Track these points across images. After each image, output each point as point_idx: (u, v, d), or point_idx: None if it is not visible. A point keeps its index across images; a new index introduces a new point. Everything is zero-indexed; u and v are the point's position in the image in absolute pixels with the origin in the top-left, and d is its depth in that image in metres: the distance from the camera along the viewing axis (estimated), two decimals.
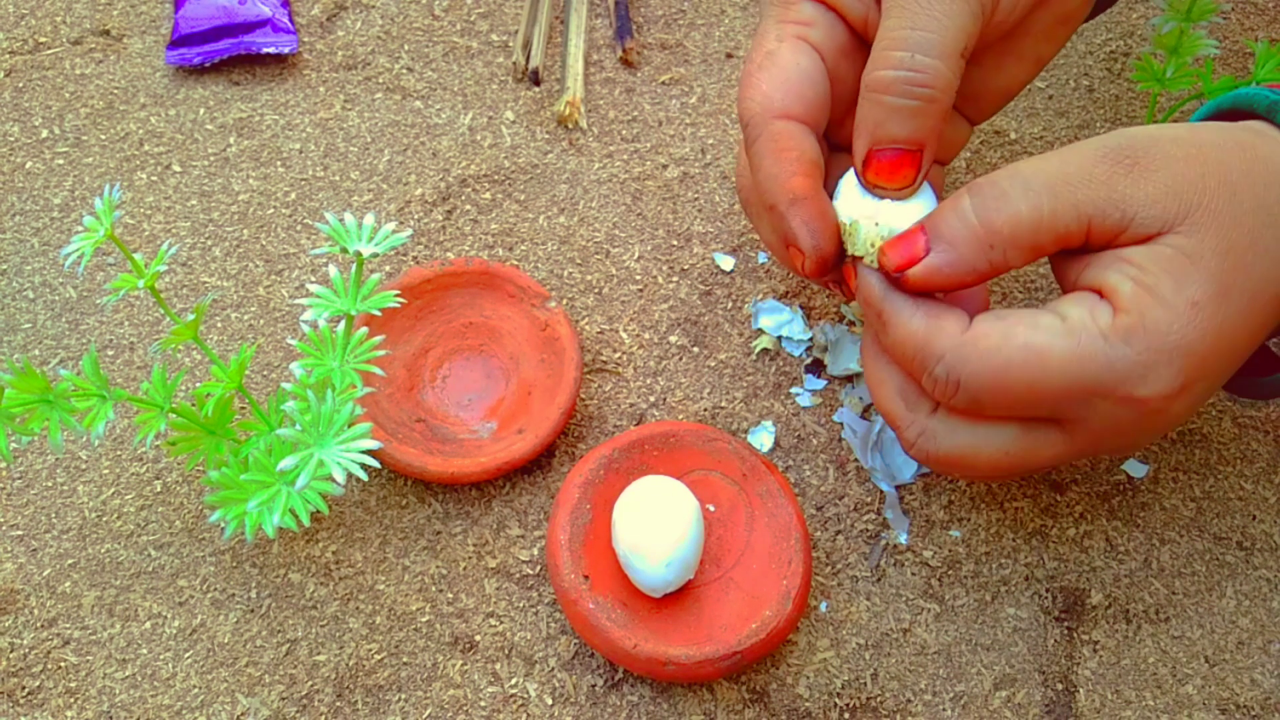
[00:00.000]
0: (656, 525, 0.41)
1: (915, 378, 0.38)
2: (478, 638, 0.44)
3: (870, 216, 0.38)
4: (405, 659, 0.44)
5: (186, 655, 0.44)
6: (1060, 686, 0.44)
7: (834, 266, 0.40)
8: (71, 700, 0.43)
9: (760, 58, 0.41)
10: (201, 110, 0.57)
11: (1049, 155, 0.37)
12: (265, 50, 0.57)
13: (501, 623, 0.44)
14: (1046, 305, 0.37)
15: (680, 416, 0.49)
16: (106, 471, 0.47)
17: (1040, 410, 0.36)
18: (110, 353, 0.50)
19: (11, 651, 0.43)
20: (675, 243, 0.53)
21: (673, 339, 0.51)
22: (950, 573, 0.46)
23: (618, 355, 0.51)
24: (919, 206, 0.38)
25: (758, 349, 0.51)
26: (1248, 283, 0.36)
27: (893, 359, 0.39)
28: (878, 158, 0.38)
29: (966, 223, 0.36)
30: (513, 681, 0.43)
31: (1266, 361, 0.42)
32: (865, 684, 0.44)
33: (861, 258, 0.39)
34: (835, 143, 0.43)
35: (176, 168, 0.55)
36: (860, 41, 0.41)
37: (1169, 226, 0.35)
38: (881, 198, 0.39)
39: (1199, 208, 0.35)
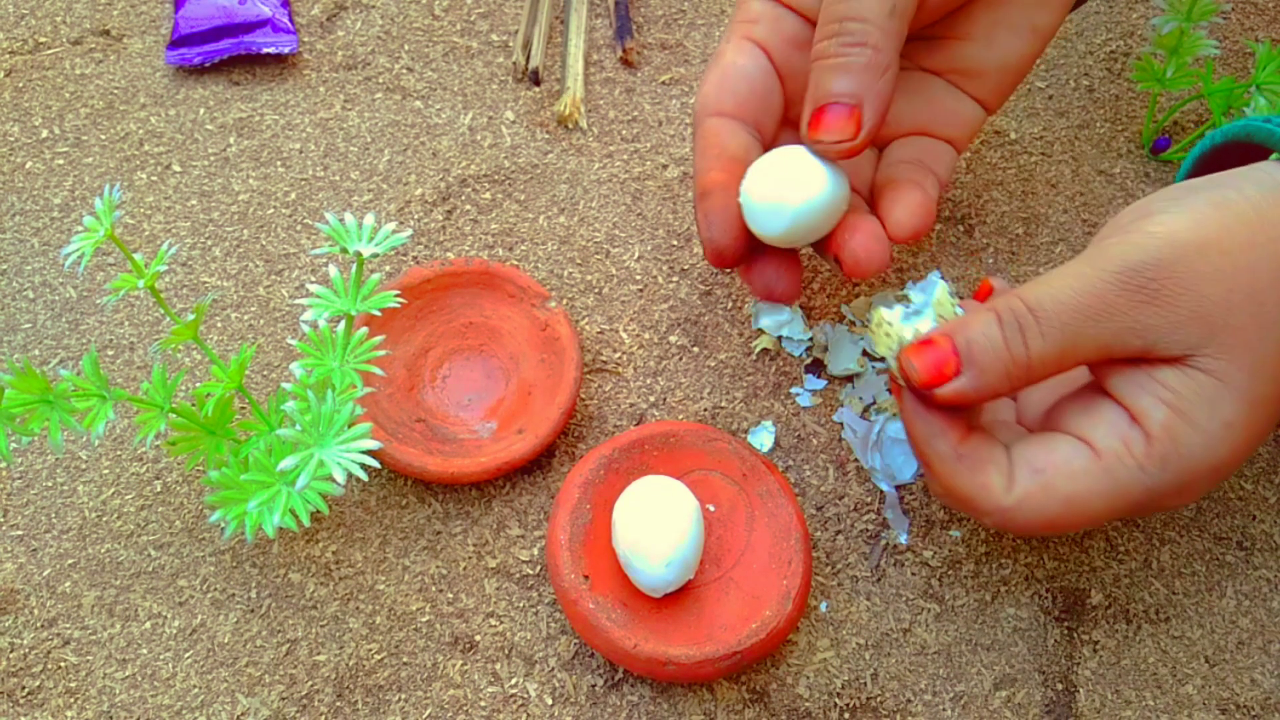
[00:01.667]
0: (656, 525, 0.41)
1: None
2: (478, 638, 0.44)
3: (890, 322, 0.38)
4: (405, 659, 0.44)
5: (186, 655, 0.44)
6: (1060, 686, 0.44)
7: (736, 260, 0.43)
8: (71, 700, 0.43)
9: (711, 61, 0.44)
10: (201, 110, 0.57)
11: (1070, 277, 0.36)
12: (265, 50, 0.57)
13: (501, 623, 0.44)
14: (1076, 424, 0.37)
15: (680, 416, 0.49)
16: (106, 471, 0.47)
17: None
18: (110, 353, 0.50)
19: (11, 651, 0.43)
20: (675, 243, 0.53)
21: (673, 339, 0.51)
22: (950, 573, 0.46)
23: (618, 355, 0.51)
24: (926, 320, 0.38)
25: (758, 349, 0.51)
26: (1275, 387, 0.36)
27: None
28: (819, 115, 0.40)
29: (997, 353, 0.36)
30: (513, 681, 0.43)
31: None
32: (865, 684, 0.44)
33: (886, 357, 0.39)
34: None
35: (176, 168, 0.55)
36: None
37: (1196, 350, 0.35)
38: (824, 155, 0.41)
39: (1225, 329, 0.35)
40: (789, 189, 0.41)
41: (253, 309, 0.51)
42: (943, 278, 0.40)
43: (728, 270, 0.49)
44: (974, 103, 0.45)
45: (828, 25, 0.40)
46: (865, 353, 0.50)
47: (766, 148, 0.44)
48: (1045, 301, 0.36)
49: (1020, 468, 0.37)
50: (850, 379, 0.50)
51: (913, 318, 0.38)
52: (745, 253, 0.43)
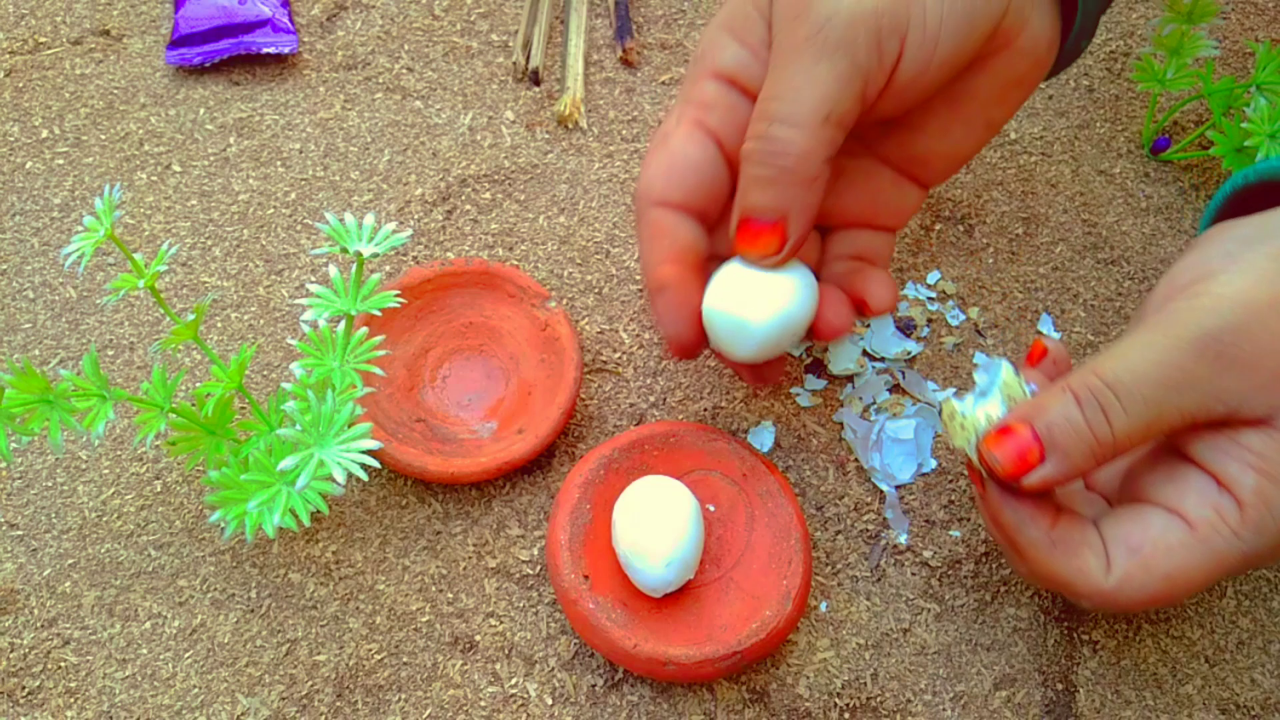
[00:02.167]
0: (657, 525, 0.41)
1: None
2: (478, 638, 0.44)
3: (964, 413, 0.38)
4: (405, 659, 0.44)
5: (186, 655, 0.44)
6: (1060, 686, 0.44)
7: (696, 353, 0.42)
8: (71, 700, 0.43)
9: (657, 140, 0.41)
10: (201, 110, 0.57)
11: (1145, 348, 0.36)
12: (265, 50, 0.57)
13: (501, 623, 0.44)
14: (1164, 494, 0.37)
15: (680, 416, 0.49)
16: (106, 471, 0.47)
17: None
18: (110, 353, 0.50)
19: (11, 651, 0.43)
20: None
21: None
22: (950, 573, 0.46)
23: (618, 355, 0.51)
24: (995, 403, 0.38)
25: None
26: None
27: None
28: (742, 227, 0.39)
29: (1081, 434, 0.36)
30: (513, 681, 0.43)
31: None
32: (865, 684, 0.44)
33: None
34: None
35: (176, 168, 0.55)
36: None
37: (1278, 410, 0.35)
38: (751, 264, 0.40)
39: None
40: (752, 307, 0.39)
41: (253, 309, 0.51)
42: (1008, 360, 0.40)
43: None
44: (918, 190, 0.44)
45: (758, 124, 0.38)
46: (865, 353, 0.50)
47: (711, 233, 0.42)
48: (1124, 376, 0.35)
49: (1116, 548, 0.37)
50: (850, 379, 0.50)
51: (980, 399, 0.38)
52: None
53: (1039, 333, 0.51)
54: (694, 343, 0.41)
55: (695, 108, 0.40)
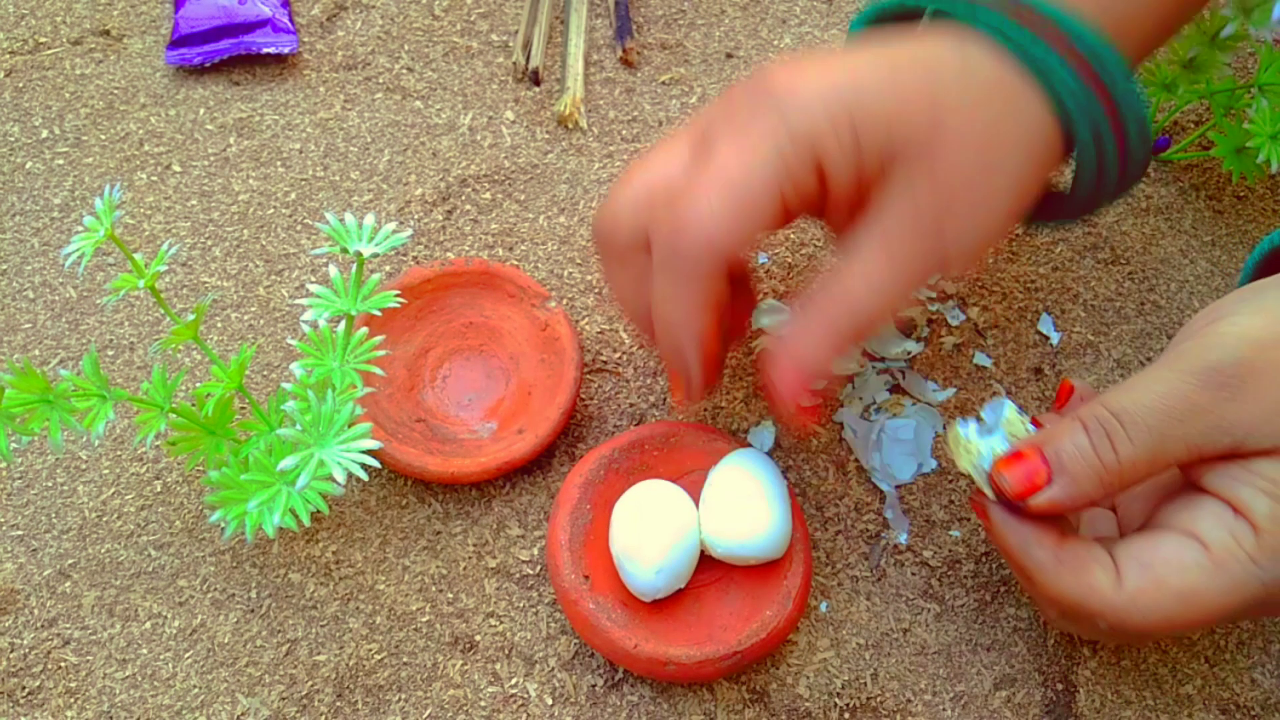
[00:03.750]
0: (653, 530, 0.41)
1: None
2: (478, 638, 0.44)
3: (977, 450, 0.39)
4: (405, 659, 0.44)
5: (186, 655, 0.44)
6: (1060, 686, 0.44)
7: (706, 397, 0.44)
8: (71, 700, 0.43)
9: (739, 186, 0.37)
10: (201, 110, 0.57)
11: (1152, 381, 0.36)
12: (265, 50, 0.57)
13: (501, 623, 0.44)
14: (1179, 520, 0.37)
15: (680, 416, 0.49)
16: (106, 471, 0.47)
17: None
18: (110, 353, 0.50)
19: (11, 651, 0.43)
20: None
21: None
22: (950, 573, 0.46)
23: (618, 355, 0.51)
24: (999, 439, 0.39)
25: (758, 349, 0.51)
26: None
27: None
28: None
29: (1088, 460, 0.36)
30: (513, 681, 0.43)
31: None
32: (865, 684, 0.44)
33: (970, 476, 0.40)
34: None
35: (176, 168, 0.55)
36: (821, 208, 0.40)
37: None
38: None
39: None
40: (748, 527, 0.41)
41: (253, 309, 0.51)
42: (1010, 399, 0.41)
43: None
44: None
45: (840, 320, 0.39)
46: (865, 353, 0.50)
47: None
48: (1130, 406, 0.36)
49: (1127, 564, 0.36)
50: (850, 379, 0.50)
51: (987, 436, 0.39)
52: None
53: (1039, 333, 0.51)
54: (704, 391, 0.42)
55: (787, 180, 0.37)
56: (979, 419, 0.39)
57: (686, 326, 0.40)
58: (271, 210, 0.54)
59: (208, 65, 0.58)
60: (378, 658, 0.44)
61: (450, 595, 0.45)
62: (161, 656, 0.44)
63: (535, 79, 0.58)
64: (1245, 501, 0.35)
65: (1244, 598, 0.35)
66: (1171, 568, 0.36)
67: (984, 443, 0.38)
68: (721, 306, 0.40)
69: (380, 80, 0.58)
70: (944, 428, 0.49)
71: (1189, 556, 0.36)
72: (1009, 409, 0.39)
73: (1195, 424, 0.36)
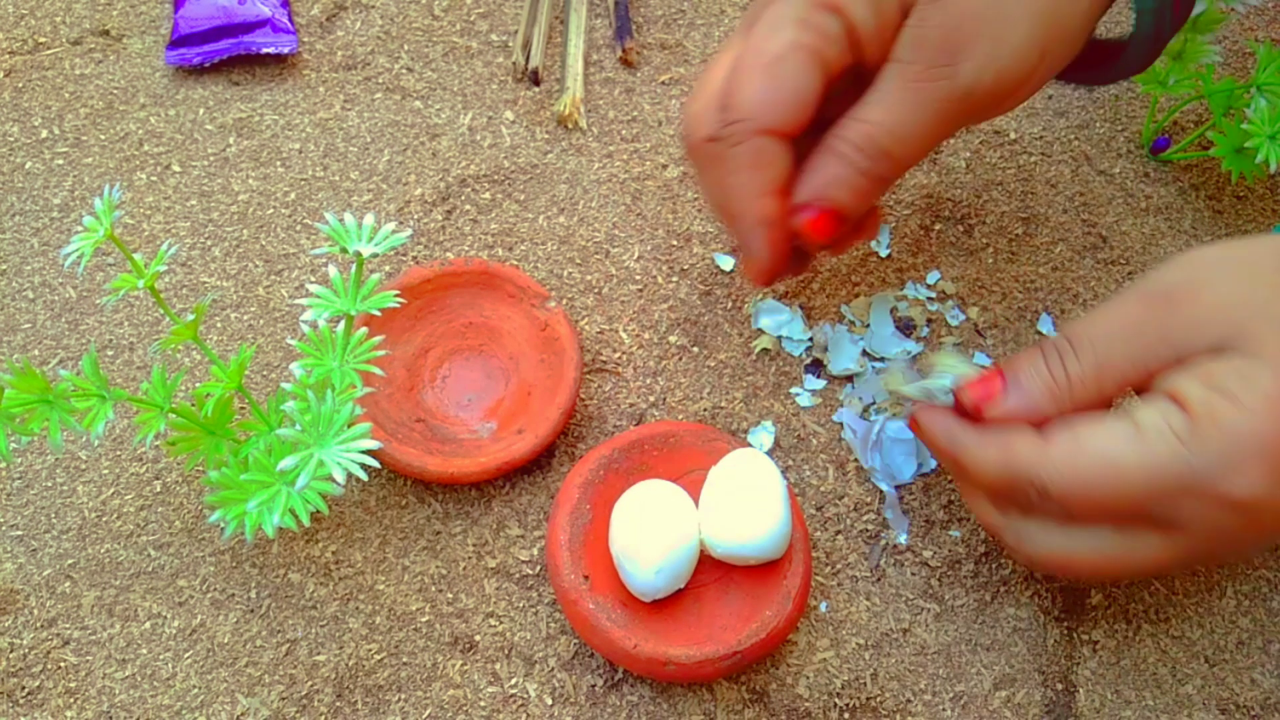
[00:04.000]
0: (652, 530, 0.41)
1: (1004, 497, 0.39)
2: (478, 638, 0.44)
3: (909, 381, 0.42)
4: (405, 659, 0.44)
5: (186, 655, 0.44)
6: (1060, 686, 0.44)
7: (778, 278, 0.45)
8: (71, 700, 0.43)
9: (766, 59, 0.40)
10: (201, 110, 0.57)
11: (1104, 308, 0.39)
12: (265, 50, 0.57)
13: (501, 623, 0.44)
14: (1124, 411, 0.37)
15: (680, 416, 0.49)
16: (106, 471, 0.47)
17: (1129, 514, 0.37)
18: (110, 353, 0.50)
19: (11, 651, 0.43)
20: (675, 243, 0.53)
21: (672, 339, 0.51)
22: (950, 573, 0.46)
23: (618, 355, 0.51)
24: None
25: (758, 349, 0.51)
26: None
27: (979, 489, 0.40)
28: (823, 216, 0.42)
29: (1040, 375, 0.39)
30: (513, 681, 0.43)
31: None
32: (865, 684, 0.44)
33: (912, 399, 0.42)
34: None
35: (176, 168, 0.55)
36: (856, 64, 0.41)
37: (1228, 342, 0.36)
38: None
39: (1253, 317, 0.36)
40: (748, 527, 0.41)
41: (253, 309, 0.51)
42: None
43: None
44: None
45: (875, 146, 0.40)
46: (865, 352, 0.50)
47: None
48: (1079, 329, 0.39)
49: (1058, 432, 0.38)
50: (850, 379, 0.50)
51: (925, 378, 0.42)
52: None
53: (1039, 333, 0.51)
54: (783, 270, 0.44)
55: (813, 35, 0.39)
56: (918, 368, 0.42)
57: (744, 208, 0.41)
58: (271, 210, 0.54)
59: (207, 65, 0.58)
60: (378, 658, 0.44)
61: (450, 595, 0.45)
62: (161, 656, 0.44)
63: (535, 79, 0.58)
64: (1181, 389, 0.36)
65: (1167, 477, 0.35)
66: (1097, 435, 0.37)
67: (925, 383, 0.41)
68: (783, 186, 0.41)
69: (380, 80, 0.58)
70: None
71: (1118, 429, 0.37)
72: (947, 351, 0.41)
73: (1137, 340, 0.37)
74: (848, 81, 0.41)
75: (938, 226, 0.54)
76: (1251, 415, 0.35)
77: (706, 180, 0.43)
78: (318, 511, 0.43)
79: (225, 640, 0.44)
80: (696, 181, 0.46)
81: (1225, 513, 0.35)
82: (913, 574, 0.46)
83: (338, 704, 0.43)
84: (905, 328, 0.51)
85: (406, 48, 0.60)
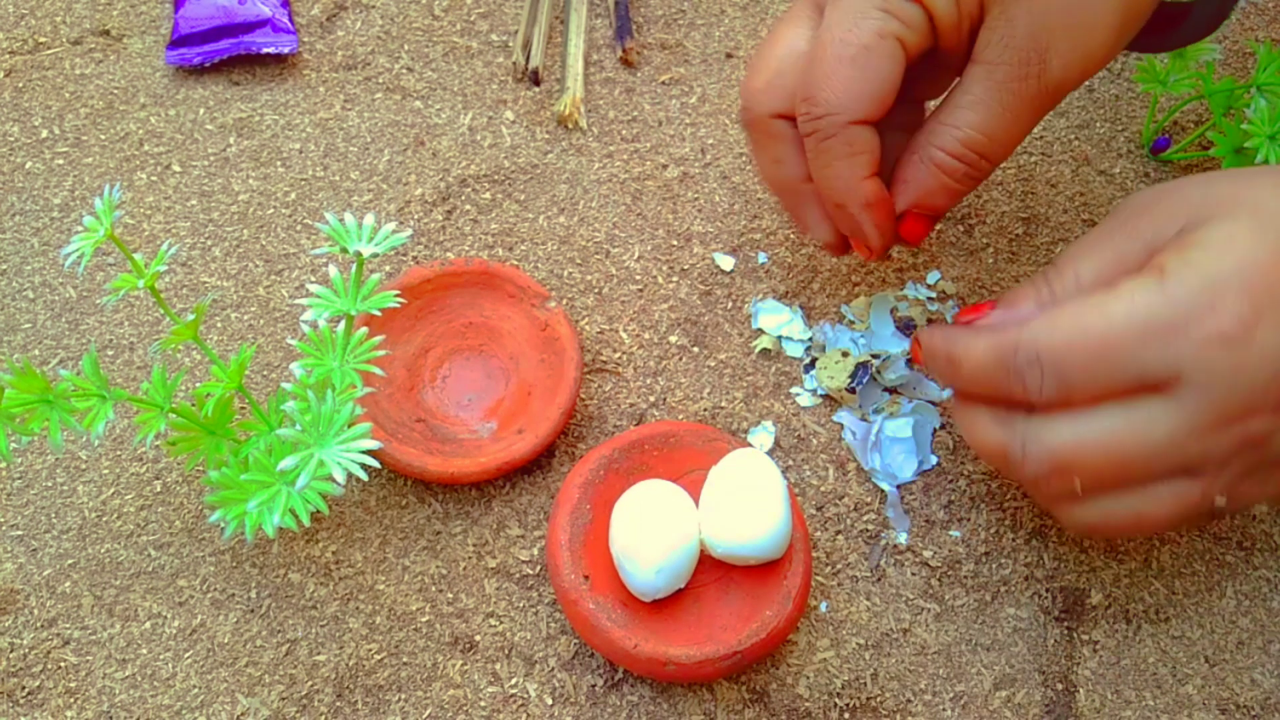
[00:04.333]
0: (652, 530, 0.41)
1: (1003, 391, 0.39)
2: (478, 638, 0.44)
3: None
4: (405, 659, 0.44)
5: (186, 655, 0.44)
6: (1060, 686, 0.44)
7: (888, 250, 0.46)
8: (71, 700, 0.43)
9: (853, 50, 0.40)
10: (201, 110, 0.57)
11: (1082, 237, 0.41)
12: (265, 50, 0.57)
13: (501, 623, 0.44)
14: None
15: (680, 416, 0.49)
16: (106, 471, 0.47)
17: (1128, 375, 0.36)
18: (110, 353, 0.50)
19: (11, 651, 0.43)
20: (675, 243, 0.53)
21: (673, 339, 0.51)
22: (950, 573, 0.46)
23: (618, 355, 0.51)
24: None
25: (758, 349, 0.51)
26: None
27: (977, 390, 0.41)
28: (914, 220, 0.44)
29: (1026, 292, 0.41)
30: (513, 681, 0.43)
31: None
32: (865, 684, 0.44)
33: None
34: None
35: (176, 168, 0.55)
36: (936, 51, 0.42)
37: (1195, 220, 0.37)
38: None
39: (1218, 200, 0.37)
40: (749, 527, 0.41)
41: (253, 309, 0.51)
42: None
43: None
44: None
45: (969, 147, 0.42)
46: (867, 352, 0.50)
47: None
48: (1060, 255, 0.41)
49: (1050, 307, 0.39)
50: (897, 390, 0.50)
51: None
52: None
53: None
54: (892, 242, 0.45)
55: (897, 25, 0.40)
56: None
57: (848, 195, 0.43)
58: (271, 210, 0.54)
59: (208, 65, 0.58)
60: (378, 658, 0.44)
61: (450, 595, 0.45)
62: (161, 656, 0.44)
63: (535, 79, 0.58)
64: (1155, 261, 0.37)
65: (1150, 321, 0.36)
66: (1081, 301, 0.38)
67: None
68: (877, 167, 0.42)
69: (380, 80, 0.58)
70: (940, 422, 0.49)
71: (1099, 294, 0.37)
72: None
73: (1110, 246, 0.39)
74: (923, 64, 0.42)
75: (938, 226, 0.54)
76: (1224, 254, 0.36)
77: (763, 156, 0.45)
78: (318, 511, 0.43)
79: (225, 640, 0.44)
80: (751, 154, 0.47)
81: (1217, 350, 0.35)
82: (913, 574, 0.46)
83: (338, 704, 0.43)
84: (905, 328, 0.51)
85: (406, 48, 0.60)
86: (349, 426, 0.37)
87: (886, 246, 0.45)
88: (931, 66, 0.43)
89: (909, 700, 0.43)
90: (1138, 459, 0.37)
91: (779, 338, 0.51)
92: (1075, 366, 0.36)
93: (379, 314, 0.43)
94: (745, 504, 0.41)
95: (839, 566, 0.46)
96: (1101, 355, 0.36)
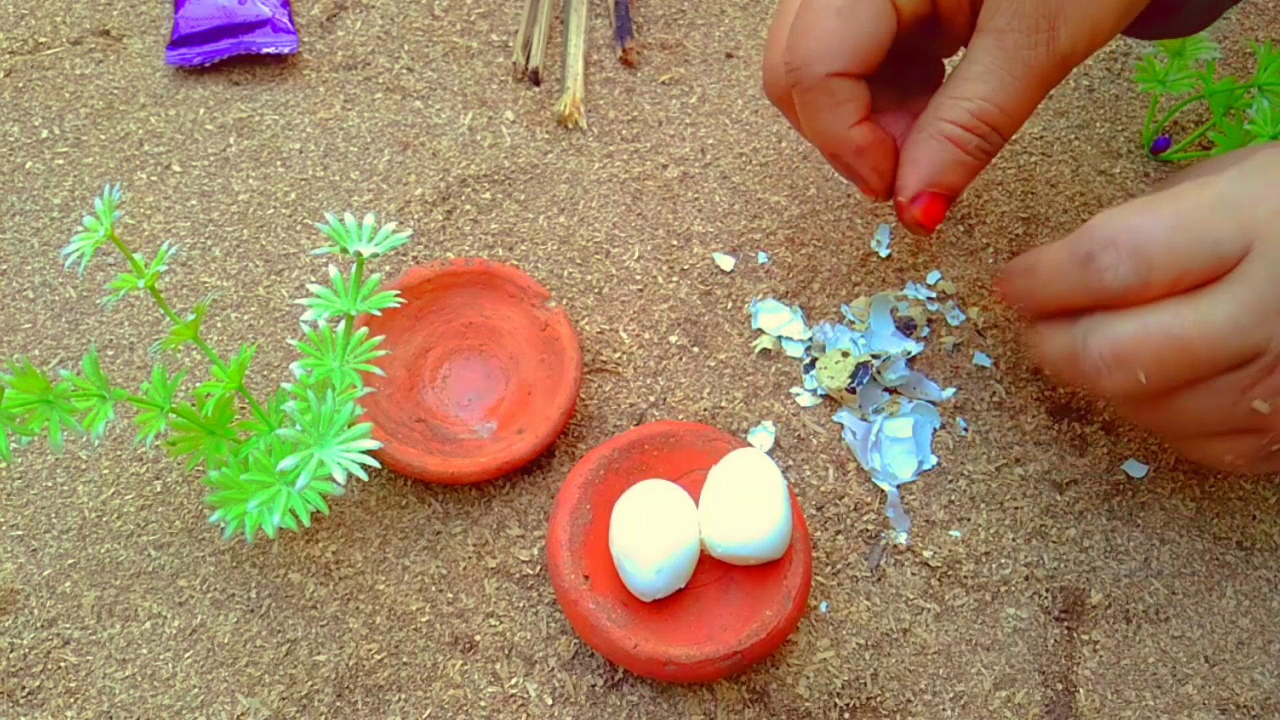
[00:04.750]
0: (652, 530, 0.41)
1: (1079, 289, 0.39)
2: (478, 638, 0.44)
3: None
4: (405, 659, 0.44)
5: (186, 655, 0.44)
6: (1060, 686, 0.44)
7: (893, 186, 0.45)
8: (71, 700, 0.43)
9: (840, 2, 0.40)
10: (201, 110, 0.57)
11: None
12: (265, 50, 0.57)
13: (501, 623, 0.44)
14: None
15: (680, 416, 0.49)
16: (106, 471, 0.47)
17: (1204, 249, 0.36)
18: (110, 353, 0.50)
19: (11, 651, 0.43)
20: (675, 243, 0.53)
21: (673, 339, 0.51)
22: (950, 573, 0.46)
23: (618, 355, 0.51)
24: None
25: (758, 349, 0.51)
26: None
27: (1052, 297, 0.41)
28: (932, 200, 0.43)
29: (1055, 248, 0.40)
30: (513, 681, 0.43)
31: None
32: (865, 684, 0.44)
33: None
34: None
35: (176, 168, 0.55)
36: (936, 18, 0.42)
37: (1244, 158, 0.39)
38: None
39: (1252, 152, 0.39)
40: (748, 527, 0.41)
41: (253, 309, 0.51)
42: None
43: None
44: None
45: (980, 119, 0.41)
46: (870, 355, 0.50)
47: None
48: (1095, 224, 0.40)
49: None
50: (897, 390, 0.50)
51: None
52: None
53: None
54: (894, 179, 0.44)
55: None
56: None
57: (837, 145, 0.43)
58: (271, 210, 0.54)
59: (208, 65, 0.58)
60: (378, 658, 0.44)
61: (450, 595, 0.45)
62: (161, 656, 0.44)
63: (535, 79, 0.58)
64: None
65: (1218, 194, 0.37)
66: (1155, 195, 0.38)
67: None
68: (866, 114, 0.42)
69: (380, 80, 0.58)
70: (940, 424, 0.49)
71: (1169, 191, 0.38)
72: None
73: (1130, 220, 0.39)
74: (921, 30, 0.42)
75: (938, 226, 0.54)
76: (1256, 153, 0.38)
77: (794, 123, 0.46)
78: (318, 511, 0.43)
79: (225, 640, 0.44)
80: (800, 119, 0.48)
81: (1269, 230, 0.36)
82: (913, 574, 0.46)
83: (338, 704, 0.43)
84: (905, 328, 0.51)
85: (406, 48, 0.60)
86: (349, 426, 0.37)
87: (888, 186, 0.44)
88: (937, 32, 0.43)
89: (909, 700, 0.43)
90: (1199, 344, 0.37)
91: (779, 338, 0.51)
92: (1152, 242, 0.37)
93: (379, 314, 0.43)
94: (745, 504, 0.41)
95: (839, 566, 0.46)
96: (1177, 227, 0.37)
